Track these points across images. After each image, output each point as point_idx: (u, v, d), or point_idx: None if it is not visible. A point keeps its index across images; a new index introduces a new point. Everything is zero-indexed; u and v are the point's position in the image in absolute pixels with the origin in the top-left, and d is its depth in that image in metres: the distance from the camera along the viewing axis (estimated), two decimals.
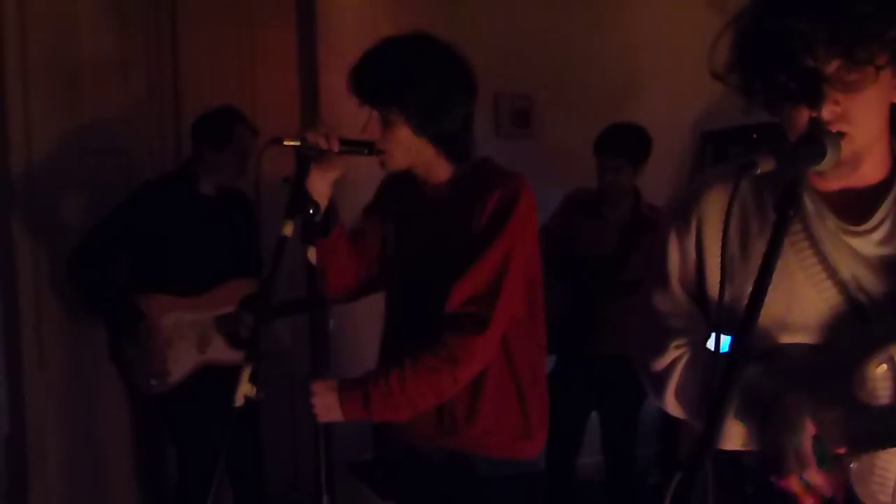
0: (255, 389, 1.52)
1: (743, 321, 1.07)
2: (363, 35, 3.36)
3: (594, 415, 3.37)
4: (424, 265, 1.85)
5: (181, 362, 2.88)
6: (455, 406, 1.82)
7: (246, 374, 1.51)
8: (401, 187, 1.93)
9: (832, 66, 1.13)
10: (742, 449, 1.24)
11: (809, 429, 1.16)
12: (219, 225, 2.99)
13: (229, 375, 1.55)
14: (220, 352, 2.92)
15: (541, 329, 1.90)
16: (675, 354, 1.35)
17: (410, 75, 1.75)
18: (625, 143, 3.17)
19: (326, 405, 1.73)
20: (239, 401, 1.52)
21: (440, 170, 1.85)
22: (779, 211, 1.10)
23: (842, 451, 1.16)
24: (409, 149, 1.79)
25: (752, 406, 1.21)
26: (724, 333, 1.26)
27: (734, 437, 1.23)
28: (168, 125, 3.38)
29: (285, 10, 3.58)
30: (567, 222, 3.29)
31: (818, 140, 1.13)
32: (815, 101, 1.14)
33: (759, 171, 1.09)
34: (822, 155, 1.13)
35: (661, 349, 1.36)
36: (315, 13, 3.56)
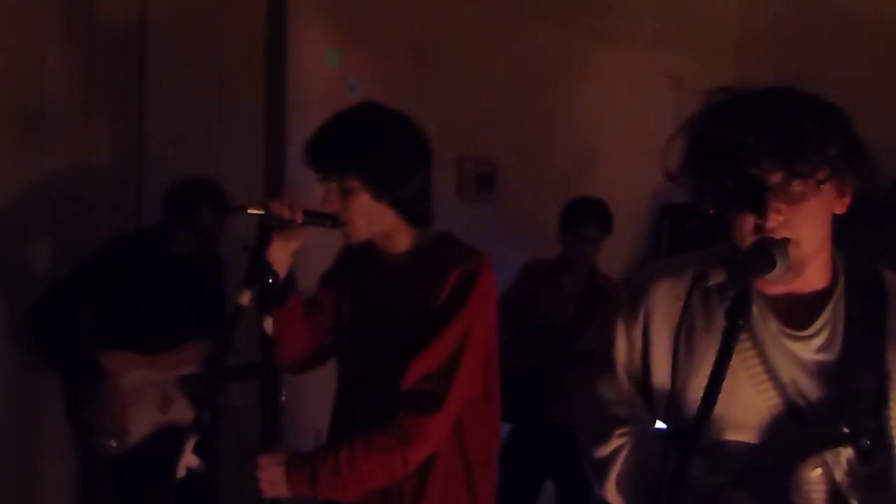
0: (198, 461, 1.49)
1: (693, 424, 1.10)
2: (332, 101, 3.41)
3: (549, 484, 3.35)
4: (380, 339, 1.83)
5: (141, 422, 2.79)
6: (402, 486, 1.78)
7: (190, 445, 1.48)
8: (359, 257, 1.91)
9: (776, 177, 1.19)
10: None
11: None
12: (188, 285, 2.95)
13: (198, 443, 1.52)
14: (183, 413, 2.83)
15: (495, 410, 1.87)
16: (617, 443, 1.37)
17: (366, 139, 1.76)
18: (602, 217, 3.28)
19: (272, 480, 1.69)
20: (181, 472, 1.48)
21: (401, 238, 1.84)
22: (729, 319, 1.14)
23: None
24: (371, 216, 1.78)
25: (693, 501, 1.22)
26: (664, 423, 1.31)
27: None
28: (130, 176, 3.34)
29: (255, 69, 3.60)
30: (524, 292, 3.34)
31: (768, 252, 1.18)
32: (759, 208, 1.19)
33: (710, 283, 1.14)
34: (773, 266, 1.18)
35: (604, 437, 1.38)
36: (285, 77, 3.59)
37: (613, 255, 3.60)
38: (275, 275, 1.69)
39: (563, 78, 4.20)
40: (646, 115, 4.23)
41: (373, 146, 1.76)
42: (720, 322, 1.26)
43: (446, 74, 3.90)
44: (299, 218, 1.71)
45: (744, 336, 1.27)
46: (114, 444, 2.74)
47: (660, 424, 1.41)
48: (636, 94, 4.29)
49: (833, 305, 1.27)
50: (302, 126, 3.44)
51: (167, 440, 2.74)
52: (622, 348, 1.39)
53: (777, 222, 1.19)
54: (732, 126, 1.19)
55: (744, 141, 1.17)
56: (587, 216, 3.27)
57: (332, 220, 1.77)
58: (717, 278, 1.14)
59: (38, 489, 3.17)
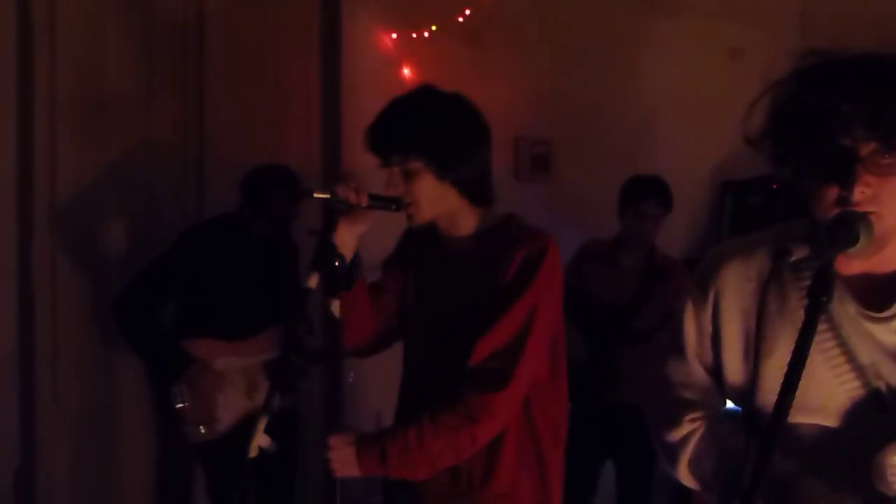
0: (269, 441, 1.52)
1: (775, 409, 1.07)
2: (387, 82, 3.44)
3: (609, 464, 3.33)
4: (447, 320, 1.83)
5: (230, 409, 2.82)
6: (472, 466, 1.78)
7: (262, 425, 1.52)
8: (422, 241, 1.92)
9: (868, 149, 1.14)
10: None
11: None
12: (265, 270, 2.97)
13: (277, 423, 1.56)
14: (277, 398, 2.85)
15: (563, 390, 1.87)
16: (689, 428, 1.35)
17: (426, 120, 1.77)
18: (663, 194, 3.24)
19: (343, 460, 1.72)
20: (253, 452, 1.52)
21: (465, 220, 1.84)
22: (811, 297, 1.10)
23: None
24: (435, 198, 1.79)
25: (767, 488, 1.19)
26: (737, 406, 1.28)
27: None
28: (191, 164, 3.42)
29: (310, 56, 3.64)
30: (581, 273, 3.31)
31: (852, 225, 1.14)
32: (846, 180, 1.14)
33: (793, 259, 1.10)
34: (856, 240, 1.13)
35: (675, 421, 1.36)
36: (340, 59, 3.62)
37: (673, 234, 3.54)
38: (341, 258, 1.70)
39: (619, 54, 4.13)
40: (705, 90, 4.14)
41: (433, 126, 1.77)
42: (795, 303, 1.24)
43: (501, 55, 3.87)
44: (364, 201, 1.72)
45: (821, 318, 1.21)
46: (203, 430, 2.78)
47: (730, 404, 1.39)
48: (694, 68, 4.20)
49: None
50: (357, 110, 3.47)
51: (254, 425, 2.77)
52: (691, 331, 1.36)
53: (864, 195, 1.15)
54: (827, 91, 1.14)
55: (838, 107, 1.12)
56: (647, 193, 3.22)
57: (397, 204, 1.77)
58: (800, 254, 1.10)
59: (118, 471, 3.27)
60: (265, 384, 2.86)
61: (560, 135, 4.04)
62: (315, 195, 1.71)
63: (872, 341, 1.22)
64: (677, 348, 1.38)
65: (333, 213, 1.71)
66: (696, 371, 1.36)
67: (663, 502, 3.53)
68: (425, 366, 1.87)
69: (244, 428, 2.77)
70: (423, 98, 1.82)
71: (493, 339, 1.73)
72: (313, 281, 1.62)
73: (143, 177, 3.31)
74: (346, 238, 1.74)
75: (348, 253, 1.75)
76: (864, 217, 1.14)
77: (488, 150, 1.85)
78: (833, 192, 1.16)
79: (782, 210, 1.24)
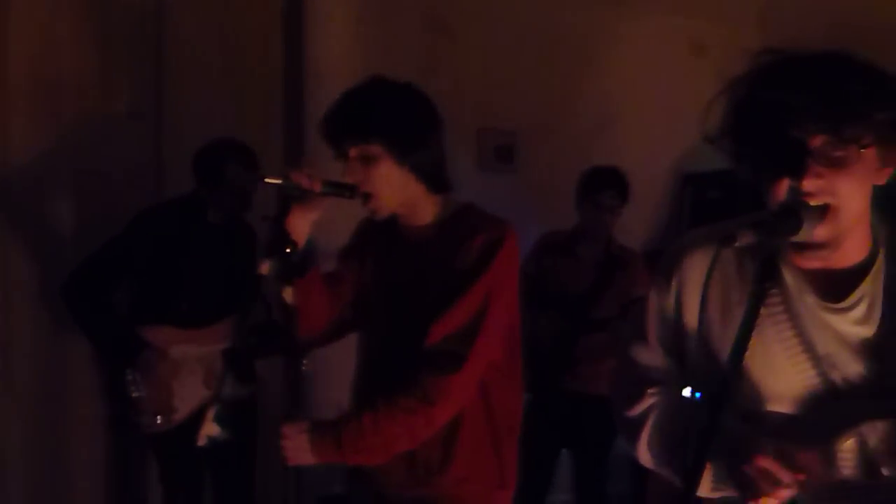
0: (218, 430, 1.50)
1: (719, 385, 1.10)
2: (350, 69, 3.40)
3: (565, 452, 3.37)
4: (405, 306, 1.83)
5: (187, 398, 2.75)
6: (429, 452, 1.79)
7: (211, 413, 1.50)
8: (381, 231, 1.91)
9: (818, 140, 1.16)
10: (709, 495, 1.26)
11: (769, 456, 1.19)
12: (225, 255, 2.88)
13: (236, 413, 1.53)
14: (229, 386, 2.79)
15: (518, 375, 1.88)
16: (649, 402, 1.39)
17: (384, 105, 1.78)
18: (620, 185, 3.28)
19: (297, 448, 1.71)
20: (202, 441, 1.50)
21: (425, 209, 1.84)
22: (756, 283, 1.14)
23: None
24: (395, 185, 1.78)
25: (724, 449, 1.23)
26: (697, 391, 1.31)
27: (704, 482, 1.25)
28: (148, 147, 3.35)
29: (272, 41, 3.59)
30: (541, 264, 3.34)
31: (795, 212, 1.16)
32: (797, 172, 1.16)
33: (738, 244, 1.12)
34: (799, 227, 1.16)
35: (636, 397, 1.40)
36: (303, 44, 3.58)
37: (635, 226, 3.58)
38: (294, 245, 1.69)
39: (583, 47, 4.15)
40: (667, 85, 4.19)
41: (390, 111, 1.77)
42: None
43: (466, 45, 3.87)
44: (318, 187, 1.71)
45: (779, 309, 1.26)
46: (160, 420, 2.72)
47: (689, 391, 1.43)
48: (657, 62, 4.24)
49: (871, 278, 1.25)
50: (320, 96, 3.44)
51: (237, 416, 2.69)
52: (655, 318, 1.39)
53: (816, 186, 1.16)
54: (777, 85, 1.16)
55: (787, 100, 1.15)
56: (605, 184, 3.26)
57: (352, 191, 1.77)
58: (745, 239, 1.12)
59: (71, 461, 3.21)
60: (228, 374, 2.79)
61: (524, 126, 4.05)
62: (268, 180, 1.70)
63: (830, 332, 1.25)
64: (641, 335, 1.41)
65: (287, 199, 1.70)
66: (659, 356, 1.39)
67: (620, 490, 3.58)
68: (383, 354, 1.87)
69: (201, 417, 2.76)
70: (376, 86, 1.82)
71: (448, 322, 1.74)
72: (265, 268, 1.60)
73: (98, 160, 3.23)
74: (300, 224, 1.73)
75: (301, 240, 1.74)
76: (808, 205, 1.16)
77: (443, 138, 1.86)
78: (786, 185, 1.18)
79: (742, 203, 1.26)
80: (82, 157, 3.20)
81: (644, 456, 1.39)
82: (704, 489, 1.25)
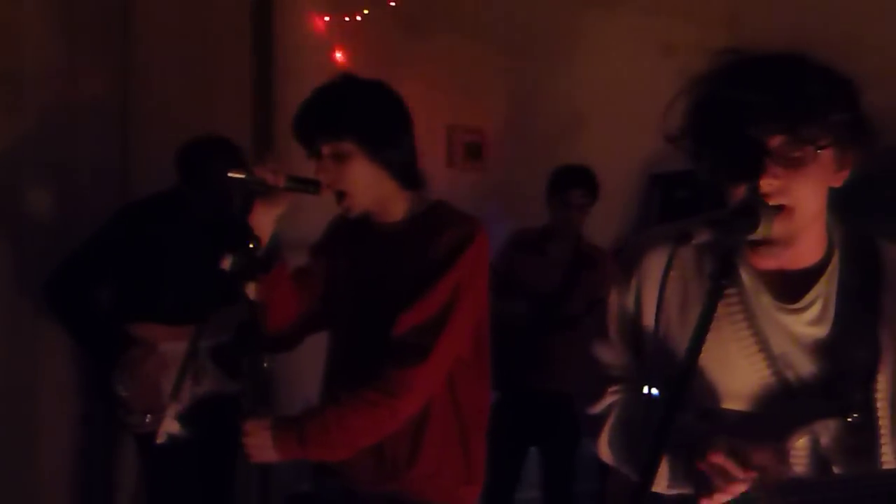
0: (178, 427, 1.48)
1: (679, 377, 1.11)
2: (319, 65, 3.38)
3: (534, 450, 3.38)
4: (374, 300, 1.83)
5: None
6: (396, 448, 1.79)
7: (172, 411, 1.48)
8: (352, 228, 1.92)
9: (776, 141, 1.17)
10: (665, 492, 1.28)
11: (724, 452, 1.19)
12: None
13: (224, 408, 1.51)
14: (217, 383, 2.75)
15: (486, 372, 1.89)
16: (610, 399, 1.40)
17: (356, 102, 1.78)
18: (589, 184, 3.30)
19: (260, 445, 1.70)
20: (161, 438, 1.48)
21: (396, 205, 1.85)
22: (713, 280, 1.14)
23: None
24: (368, 182, 1.79)
25: (680, 446, 1.24)
26: (656, 389, 1.32)
27: (661, 478, 1.27)
28: (115, 143, 3.29)
29: (242, 35, 3.55)
30: (511, 261, 3.35)
31: (753, 211, 1.17)
32: (755, 172, 1.17)
33: (694, 242, 1.13)
34: (756, 225, 1.17)
35: (598, 394, 1.41)
36: (272, 40, 3.54)
37: (604, 225, 3.60)
38: (257, 241, 1.68)
39: (553, 46, 4.16)
40: (637, 84, 4.20)
41: (362, 108, 1.78)
42: (750, 298, 1.28)
43: (436, 42, 3.86)
44: (282, 183, 1.70)
45: (736, 309, 1.28)
46: (149, 419, 2.65)
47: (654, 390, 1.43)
48: (627, 62, 4.26)
49: (826, 279, 1.27)
50: (290, 93, 3.40)
51: (200, 412, 2.60)
52: (616, 314, 1.40)
53: (773, 187, 1.18)
54: (735, 86, 1.17)
55: (745, 101, 1.16)
56: (574, 183, 3.29)
57: (316, 186, 1.76)
58: (701, 237, 1.14)
59: (37, 460, 3.13)
60: (213, 369, 2.76)
61: (493, 124, 4.05)
62: (230, 175, 1.68)
63: (785, 332, 1.27)
64: (603, 331, 1.42)
65: (249, 194, 1.69)
66: (620, 353, 1.41)
67: (588, 488, 3.61)
68: (352, 348, 1.87)
69: (189, 415, 2.71)
70: (347, 84, 1.83)
71: (415, 315, 1.74)
72: (227, 263, 1.59)
73: (63, 155, 3.16)
74: (263, 220, 1.72)
75: (265, 235, 1.73)
76: (765, 204, 1.18)
77: (413, 135, 1.87)
78: (744, 185, 1.19)
79: (709, 203, 1.28)
80: (46, 149, 3.13)
81: (605, 453, 1.41)
82: (660, 486, 1.27)
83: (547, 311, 3.26)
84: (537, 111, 4.13)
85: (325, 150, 1.77)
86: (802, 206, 1.21)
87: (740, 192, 1.20)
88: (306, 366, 2.34)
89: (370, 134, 1.76)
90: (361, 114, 1.77)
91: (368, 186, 1.79)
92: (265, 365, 1.65)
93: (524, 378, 3.27)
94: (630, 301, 1.38)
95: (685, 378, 1.11)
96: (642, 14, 4.27)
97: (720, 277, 1.14)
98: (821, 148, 1.17)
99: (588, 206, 3.31)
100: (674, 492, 1.27)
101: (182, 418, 1.49)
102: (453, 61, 3.86)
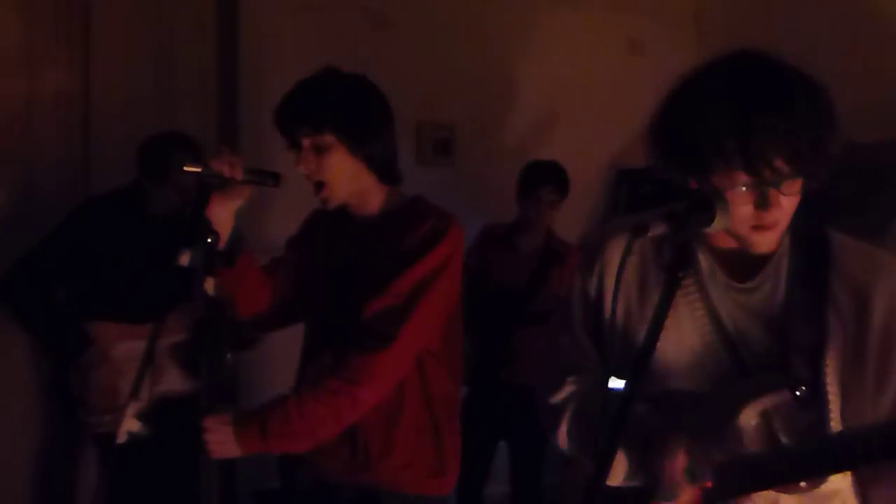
0: (139, 425, 1.46)
1: (633, 369, 1.13)
2: (286, 60, 3.34)
3: (503, 444, 3.40)
4: (346, 290, 1.84)
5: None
6: (369, 439, 1.80)
7: (132, 409, 1.46)
8: (330, 220, 1.93)
9: (779, 178, 1.18)
10: (623, 484, 1.29)
11: (682, 459, 1.22)
12: (169, 248, 2.82)
13: (182, 408, 1.49)
14: (176, 382, 2.73)
15: (458, 364, 1.90)
16: (570, 389, 1.42)
17: (338, 96, 1.79)
18: (558, 180, 3.30)
19: (220, 441, 1.68)
20: (121, 437, 1.45)
21: (374, 198, 1.86)
22: (669, 272, 1.17)
23: (708, 484, 1.22)
24: (347, 175, 1.80)
25: (635, 440, 1.27)
26: (618, 376, 1.32)
27: (617, 472, 1.29)
28: (75, 138, 3.23)
29: (206, 28, 3.50)
30: (481, 256, 3.36)
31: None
32: (763, 204, 1.19)
33: (650, 234, 1.16)
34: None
35: (558, 384, 1.43)
36: (238, 35, 3.50)
37: (572, 220, 3.61)
38: (215, 235, 1.66)
39: (521, 42, 4.17)
40: (604, 80, 4.24)
41: (344, 101, 1.79)
42: (705, 277, 1.31)
43: (405, 38, 3.84)
44: (239, 175, 1.69)
45: (692, 288, 1.31)
46: (108, 419, 2.62)
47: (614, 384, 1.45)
48: (595, 58, 4.29)
49: (776, 260, 1.30)
50: (256, 88, 3.37)
51: (160, 412, 2.55)
52: (578, 305, 1.42)
53: (778, 214, 1.21)
54: (743, 131, 1.15)
55: (769, 141, 1.15)
56: (544, 179, 3.30)
57: (275, 179, 1.75)
58: (657, 230, 1.16)
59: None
60: (172, 368, 2.73)
61: (463, 120, 4.05)
62: (186, 168, 1.66)
63: (739, 311, 1.29)
64: (566, 318, 1.44)
65: (206, 188, 1.67)
66: (582, 342, 1.42)
67: (556, 483, 3.62)
68: (324, 338, 1.88)
69: (148, 414, 2.67)
70: (330, 77, 1.83)
71: (380, 302, 1.74)
72: (185, 259, 1.57)
73: (22, 151, 3.11)
74: (221, 213, 1.70)
75: (224, 229, 1.72)
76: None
77: (393, 131, 1.88)
78: (750, 210, 1.20)
79: (673, 198, 1.30)
80: (5, 143, 3.07)
81: (564, 444, 1.42)
82: (616, 479, 1.28)
83: (516, 305, 3.27)
84: (507, 107, 4.13)
85: (306, 142, 1.77)
86: (786, 221, 1.25)
87: (743, 212, 1.20)
88: (277, 365, 2.32)
89: (351, 128, 1.77)
90: (343, 107, 1.77)
91: (347, 179, 1.80)
92: (226, 361, 1.63)
93: (493, 372, 3.28)
94: (592, 289, 1.40)
95: (640, 368, 1.13)
96: (609, 11, 4.30)
97: (676, 269, 1.17)
98: (815, 178, 1.20)
99: (557, 202, 3.32)
100: (630, 485, 1.29)
101: (142, 417, 1.46)
102: (422, 57, 3.85)
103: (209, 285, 1.64)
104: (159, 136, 2.79)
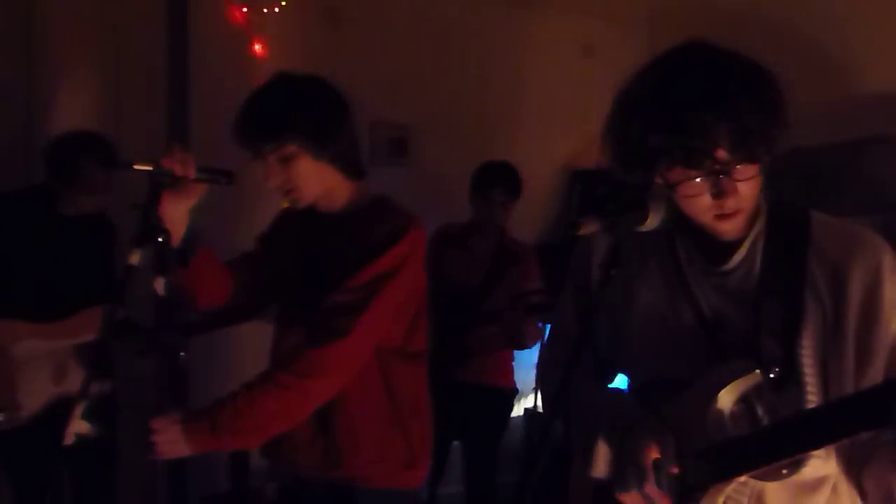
0: (88, 427, 1.43)
1: (567, 363, 1.17)
2: (237, 57, 3.30)
3: (456, 444, 3.40)
4: (313, 286, 1.85)
5: (35, 395, 2.63)
6: (340, 436, 1.82)
7: (79, 410, 1.42)
8: (298, 217, 1.94)
9: (733, 168, 1.19)
10: (605, 477, 1.30)
11: (653, 450, 1.22)
12: (78, 248, 2.77)
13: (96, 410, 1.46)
14: (80, 383, 2.69)
15: (422, 362, 1.93)
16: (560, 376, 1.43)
17: (294, 104, 1.80)
18: (510, 181, 3.32)
19: (170, 441, 1.66)
20: (69, 439, 1.42)
21: (340, 194, 1.88)
22: (602, 270, 1.20)
23: (675, 470, 1.23)
24: (315, 178, 1.82)
25: (617, 431, 1.28)
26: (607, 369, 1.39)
27: (600, 464, 1.30)
28: (17, 134, 3.14)
29: (155, 22, 3.43)
30: (436, 256, 3.36)
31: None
32: (720, 194, 1.21)
33: (581, 233, 1.19)
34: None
35: (550, 380, 1.46)
36: (187, 30, 3.44)
37: (527, 220, 3.64)
38: (166, 234, 1.64)
39: (476, 44, 4.18)
40: (558, 83, 4.27)
41: (301, 108, 1.79)
42: (654, 267, 1.34)
43: (360, 36, 3.82)
44: (192, 174, 1.67)
45: (671, 275, 1.33)
46: (3, 418, 2.58)
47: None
48: (549, 61, 4.32)
49: (751, 242, 1.31)
50: (206, 84, 3.31)
51: (62, 412, 2.62)
52: (567, 306, 1.46)
53: (736, 201, 1.22)
54: (685, 128, 1.16)
55: (700, 143, 1.17)
56: (495, 180, 3.32)
57: (228, 178, 1.74)
58: (588, 228, 1.19)
59: None
60: (76, 368, 2.70)
61: (418, 120, 4.05)
62: (136, 167, 1.63)
63: (717, 294, 1.31)
64: (556, 326, 1.51)
65: (157, 186, 1.65)
66: (572, 340, 1.44)
67: (509, 482, 3.64)
68: (287, 333, 1.89)
69: (50, 415, 2.63)
70: (283, 83, 1.83)
71: (337, 297, 1.76)
72: (135, 258, 1.54)
73: None
74: (173, 212, 1.69)
75: (177, 228, 1.70)
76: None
77: (354, 124, 1.89)
78: (707, 201, 1.22)
79: (626, 199, 1.32)
80: None
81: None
82: (601, 470, 1.29)
83: (470, 305, 3.28)
84: (463, 108, 4.14)
85: (270, 156, 1.79)
86: (751, 202, 1.26)
87: (702, 203, 1.22)
88: (234, 366, 2.29)
89: (312, 135, 1.79)
90: (301, 116, 1.78)
91: (315, 182, 1.83)
92: (176, 361, 1.60)
93: (447, 371, 3.28)
94: (579, 292, 1.42)
95: (575, 359, 1.16)
96: (564, 14, 4.34)
97: (609, 267, 1.20)
98: (762, 161, 1.21)
99: (510, 202, 3.34)
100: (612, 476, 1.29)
101: (89, 417, 1.43)
102: (377, 55, 3.83)
103: (159, 285, 1.61)
104: (67, 136, 2.73)
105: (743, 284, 1.30)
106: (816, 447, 1.14)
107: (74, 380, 2.71)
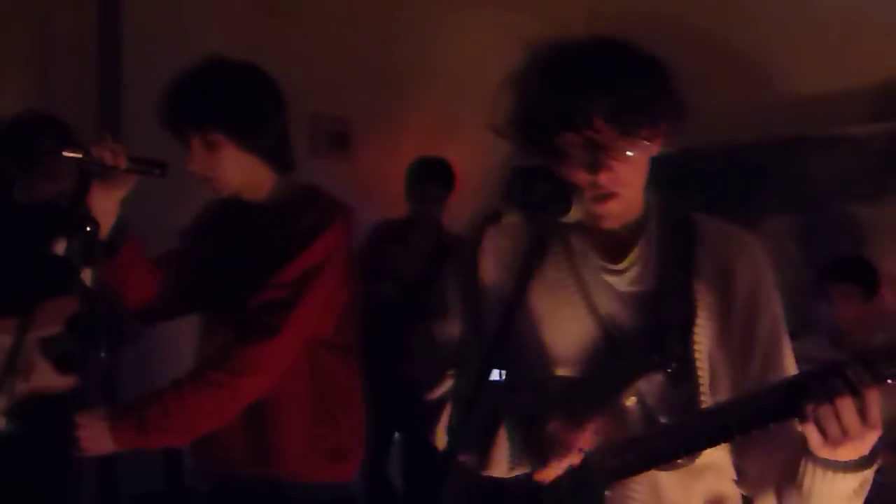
0: (4, 423, 1.38)
1: (482, 360, 1.15)
2: (174, 45, 3.22)
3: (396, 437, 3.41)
4: (234, 281, 1.82)
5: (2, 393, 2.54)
6: (268, 432, 1.79)
7: None
8: (222, 210, 1.91)
9: (608, 137, 1.21)
10: (506, 475, 1.30)
11: (563, 431, 1.23)
12: (38, 237, 2.66)
13: (55, 404, 1.41)
14: (47, 378, 2.60)
15: (353, 351, 1.91)
16: (449, 384, 1.42)
17: (222, 91, 1.75)
18: (445, 176, 3.35)
19: (94, 436, 1.63)
20: None
21: (266, 187, 1.85)
22: (525, 261, 1.18)
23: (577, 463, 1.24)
24: (238, 169, 1.78)
25: (518, 424, 1.28)
26: (498, 367, 1.34)
27: (500, 462, 1.29)
28: None
29: (86, 7, 3.33)
30: (375, 251, 3.36)
31: (566, 195, 1.22)
32: (593, 167, 1.22)
33: (503, 223, 1.20)
34: (567, 209, 1.22)
35: (437, 378, 1.42)
36: (120, 17, 3.34)
37: (469, 216, 3.65)
38: (94, 224, 1.60)
39: (418, 37, 4.17)
40: (498, 79, 4.29)
41: (229, 97, 1.75)
42: (579, 261, 1.34)
43: (299, 28, 3.78)
44: (123, 164, 1.63)
45: (566, 273, 1.33)
46: None
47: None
48: (489, 57, 4.31)
49: (644, 241, 1.33)
50: (140, 72, 3.23)
51: (32, 409, 2.43)
52: (456, 294, 1.43)
53: (609, 179, 1.23)
54: (565, 89, 1.20)
55: (578, 105, 1.19)
56: (429, 175, 3.34)
57: (162, 169, 1.70)
58: (510, 218, 1.20)
59: None
60: (42, 363, 2.59)
61: (359, 113, 4.02)
62: (66, 154, 1.59)
63: (611, 292, 1.32)
64: (444, 312, 1.45)
65: (86, 175, 1.61)
66: (460, 332, 1.42)
67: None
68: (213, 329, 1.86)
69: (19, 412, 2.52)
70: (213, 69, 1.78)
71: (264, 294, 1.74)
72: (60, 247, 1.50)
73: None
74: (103, 202, 1.65)
75: (106, 218, 1.67)
76: (579, 189, 1.22)
77: (286, 116, 1.85)
78: (584, 177, 1.23)
79: (548, 191, 1.34)
80: None
81: (443, 441, 1.42)
82: (501, 469, 1.29)
83: (409, 299, 3.28)
84: (406, 103, 4.13)
85: (194, 141, 1.75)
86: (632, 187, 1.28)
87: (578, 180, 1.23)
88: (164, 361, 2.24)
89: (237, 124, 1.75)
90: (227, 104, 1.74)
91: (238, 173, 1.79)
92: (102, 356, 1.56)
93: (387, 365, 3.28)
94: (470, 277, 1.40)
95: (491, 354, 1.14)
96: (503, 10, 4.36)
97: (532, 258, 1.19)
98: (645, 138, 1.23)
99: (444, 197, 3.35)
100: (514, 474, 1.30)
101: (9, 414, 1.38)
102: (317, 47, 3.79)
103: (86, 276, 1.56)
104: (23, 117, 2.60)
105: (637, 283, 1.32)
106: (719, 444, 1.19)
107: (41, 375, 2.59)
